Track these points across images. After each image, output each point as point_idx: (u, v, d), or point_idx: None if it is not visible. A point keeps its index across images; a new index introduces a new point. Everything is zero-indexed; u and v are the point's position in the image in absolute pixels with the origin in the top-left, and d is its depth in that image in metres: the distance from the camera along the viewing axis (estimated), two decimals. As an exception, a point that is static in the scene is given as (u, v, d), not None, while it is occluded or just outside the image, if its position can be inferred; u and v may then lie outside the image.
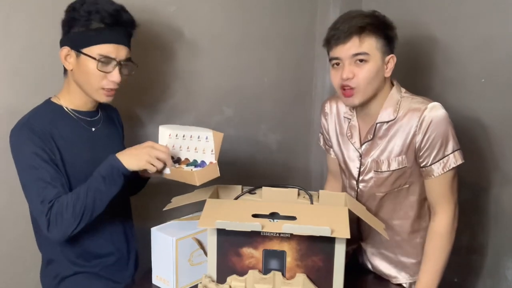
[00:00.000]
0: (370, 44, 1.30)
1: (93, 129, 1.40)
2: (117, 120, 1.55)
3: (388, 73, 1.36)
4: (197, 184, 1.21)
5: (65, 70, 1.35)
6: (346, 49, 1.30)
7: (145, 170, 1.29)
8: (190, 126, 1.35)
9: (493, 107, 1.61)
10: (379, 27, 1.31)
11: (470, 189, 1.69)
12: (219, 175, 1.24)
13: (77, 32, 1.27)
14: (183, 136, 1.35)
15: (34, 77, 1.54)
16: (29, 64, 1.53)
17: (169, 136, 1.40)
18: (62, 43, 1.31)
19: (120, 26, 1.30)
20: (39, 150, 1.25)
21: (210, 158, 1.26)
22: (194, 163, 1.29)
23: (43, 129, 1.28)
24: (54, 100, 1.37)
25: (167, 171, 1.29)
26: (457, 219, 1.39)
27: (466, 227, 1.68)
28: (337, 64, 1.34)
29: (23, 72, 1.53)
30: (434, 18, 1.75)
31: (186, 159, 1.32)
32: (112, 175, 1.24)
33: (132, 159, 1.25)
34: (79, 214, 1.22)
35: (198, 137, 1.29)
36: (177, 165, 1.30)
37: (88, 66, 1.28)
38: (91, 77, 1.29)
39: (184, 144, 1.34)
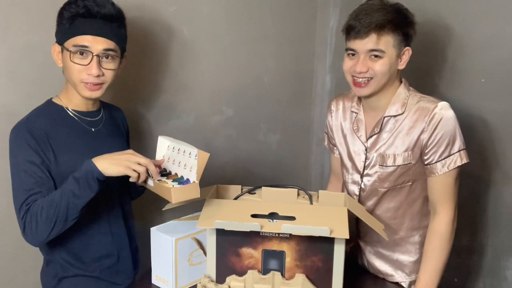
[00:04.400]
0: (387, 42, 1.32)
1: (93, 129, 1.40)
2: (121, 122, 1.54)
3: (402, 65, 1.38)
4: (173, 202, 1.18)
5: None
6: (363, 44, 1.32)
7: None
8: (183, 142, 1.31)
9: (493, 107, 1.61)
10: (399, 24, 1.32)
11: (470, 188, 1.69)
12: (198, 196, 1.20)
13: (61, 27, 1.29)
14: (178, 150, 1.32)
15: (34, 77, 1.54)
16: (29, 64, 1.53)
17: (167, 147, 1.37)
18: (55, 39, 1.33)
19: (98, 18, 1.28)
20: (33, 153, 1.25)
21: (195, 177, 1.22)
22: (180, 180, 1.26)
23: (40, 130, 1.28)
24: (55, 100, 1.37)
25: (150, 183, 1.26)
26: (457, 219, 1.40)
27: (466, 227, 1.68)
28: (353, 54, 1.37)
29: (23, 72, 1.53)
30: (434, 17, 1.75)
31: (176, 174, 1.30)
32: (87, 180, 1.20)
33: (110, 164, 1.20)
34: (52, 218, 1.20)
35: (190, 154, 1.26)
36: (164, 179, 1.27)
37: (67, 59, 1.28)
38: (70, 70, 1.28)
39: (177, 158, 1.31)
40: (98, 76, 1.29)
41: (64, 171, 1.28)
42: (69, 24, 1.27)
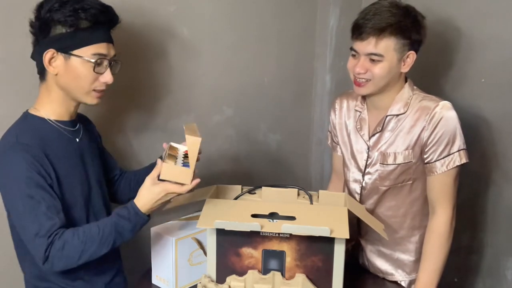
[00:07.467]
0: (386, 46, 1.31)
1: (77, 139, 1.31)
2: (92, 128, 1.46)
3: (405, 69, 1.38)
4: (161, 177, 1.16)
5: (41, 76, 1.26)
6: (363, 46, 1.33)
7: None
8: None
9: (494, 107, 1.62)
10: (402, 28, 1.31)
11: (470, 188, 1.69)
12: (188, 183, 1.16)
13: (64, 33, 1.17)
14: None
15: (34, 77, 1.54)
16: (29, 65, 1.53)
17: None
18: (43, 46, 1.20)
19: (108, 24, 1.23)
20: (34, 174, 1.15)
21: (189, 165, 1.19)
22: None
23: (35, 148, 1.17)
24: (32, 112, 1.26)
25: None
26: (455, 219, 1.40)
27: (466, 226, 1.68)
28: (354, 54, 1.38)
29: (23, 73, 1.52)
30: (435, 17, 1.75)
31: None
32: (140, 227, 1.22)
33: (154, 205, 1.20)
34: (85, 256, 1.16)
35: None
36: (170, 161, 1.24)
37: (79, 69, 1.19)
38: (83, 80, 1.20)
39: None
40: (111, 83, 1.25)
41: (65, 186, 1.23)
42: (81, 31, 1.17)
